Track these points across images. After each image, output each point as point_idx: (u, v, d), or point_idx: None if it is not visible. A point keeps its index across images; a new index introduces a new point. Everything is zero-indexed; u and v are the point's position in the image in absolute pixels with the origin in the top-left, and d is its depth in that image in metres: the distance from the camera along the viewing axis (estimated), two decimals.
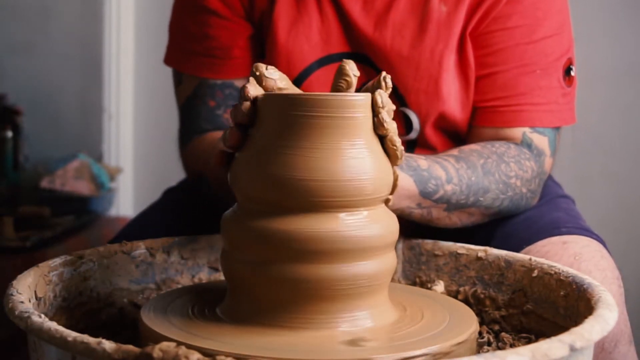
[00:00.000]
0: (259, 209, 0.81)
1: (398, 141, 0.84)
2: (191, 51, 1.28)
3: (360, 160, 0.81)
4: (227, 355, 0.67)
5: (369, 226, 0.81)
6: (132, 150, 2.80)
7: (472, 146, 1.15)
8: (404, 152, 0.85)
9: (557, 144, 1.23)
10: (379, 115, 0.82)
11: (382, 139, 0.84)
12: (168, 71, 1.38)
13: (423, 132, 1.23)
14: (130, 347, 0.66)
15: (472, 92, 1.21)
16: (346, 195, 0.80)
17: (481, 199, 1.10)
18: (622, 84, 2.34)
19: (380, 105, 0.82)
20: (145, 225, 1.24)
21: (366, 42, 1.20)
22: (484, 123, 1.21)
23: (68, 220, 2.29)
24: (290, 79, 1.21)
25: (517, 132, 1.19)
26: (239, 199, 0.85)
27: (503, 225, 1.16)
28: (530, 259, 0.98)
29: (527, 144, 1.18)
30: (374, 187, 0.82)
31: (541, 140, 1.19)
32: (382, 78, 0.84)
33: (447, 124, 1.23)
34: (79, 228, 2.33)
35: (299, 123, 0.80)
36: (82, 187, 2.47)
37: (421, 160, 1.05)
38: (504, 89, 1.19)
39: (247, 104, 0.82)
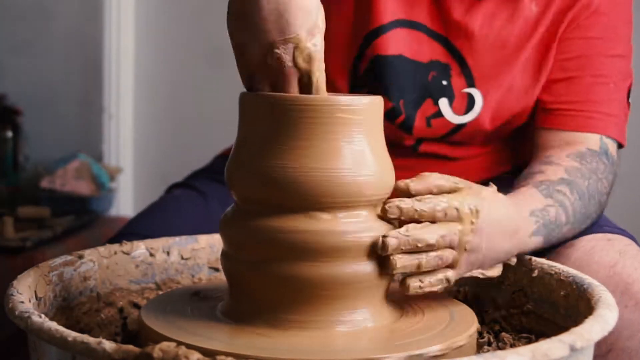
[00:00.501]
0: (258, 210, 0.81)
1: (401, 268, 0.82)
2: None
3: (360, 161, 0.81)
4: (227, 355, 0.67)
5: (369, 226, 0.81)
6: (132, 150, 2.79)
7: (573, 164, 1.13)
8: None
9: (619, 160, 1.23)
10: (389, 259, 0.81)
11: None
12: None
13: (479, 117, 1.23)
14: (130, 347, 0.66)
15: (537, 91, 1.22)
16: (346, 196, 0.80)
17: (583, 226, 1.09)
18: None
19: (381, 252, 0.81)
20: (149, 219, 1.24)
21: (453, 23, 1.22)
22: (560, 126, 1.20)
23: (68, 220, 2.29)
24: (365, 31, 1.20)
25: (595, 138, 1.18)
26: (237, 199, 0.85)
27: None
28: (530, 259, 0.98)
29: (604, 151, 1.18)
30: (374, 188, 0.82)
31: (614, 148, 1.20)
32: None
33: (504, 113, 1.24)
34: (79, 228, 2.33)
35: (296, 123, 0.80)
36: (82, 187, 2.47)
37: (551, 210, 1.02)
38: (579, 94, 1.20)
39: None
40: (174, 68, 2.74)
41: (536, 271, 0.96)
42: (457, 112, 1.23)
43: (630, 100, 1.24)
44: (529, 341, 0.93)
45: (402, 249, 0.81)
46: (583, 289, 0.87)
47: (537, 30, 1.21)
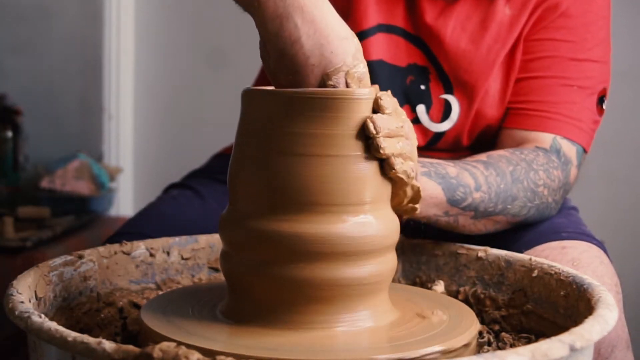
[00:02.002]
0: (259, 211, 0.81)
1: (399, 164, 0.82)
2: None
3: (360, 162, 0.81)
4: (227, 355, 0.67)
5: (371, 228, 0.81)
6: (132, 150, 2.79)
7: (501, 152, 1.14)
8: (409, 172, 0.83)
9: (582, 161, 1.22)
10: (375, 141, 0.80)
11: (381, 161, 0.82)
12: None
13: (457, 125, 1.24)
14: (130, 347, 0.66)
15: (509, 94, 1.22)
16: (346, 197, 0.80)
17: (509, 206, 1.09)
18: (620, 85, 2.34)
19: (374, 132, 0.80)
20: (147, 219, 1.24)
21: (426, 27, 1.22)
22: (514, 125, 1.21)
23: (68, 220, 2.30)
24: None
25: (547, 137, 1.18)
26: (236, 199, 0.85)
27: (502, 231, 1.16)
28: (530, 259, 0.98)
29: (555, 150, 1.17)
30: (375, 189, 0.82)
31: (570, 149, 1.19)
32: (378, 98, 0.82)
33: (481, 121, 1.24)
34: (79, 228, 2.33)
35: (295, 121, 0.80)
36: (82, 187, 2.47)
37: (450, 168, 1.04)
38: (540, 94, 1.20)
39: None
40: (174, 68, 2.74)
41: (536, 271, 0.96)
42: (434, 119, 1.23)
43: (604, 106, 1.23)
44: (529, 341, 0.93)
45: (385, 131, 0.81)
46: (583, 289, 0.87)
47: (511, 34, 1.20)
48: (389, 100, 0.82)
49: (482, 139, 1.26)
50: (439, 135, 1.25)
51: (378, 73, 1.22)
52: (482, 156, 1.12)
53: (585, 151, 1.21)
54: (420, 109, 1.24)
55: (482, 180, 1.06)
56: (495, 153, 1.14)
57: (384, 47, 1.23)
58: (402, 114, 0.85)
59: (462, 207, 1.05)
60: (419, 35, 1.23)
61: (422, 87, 1.24)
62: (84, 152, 2.57)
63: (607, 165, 2.33)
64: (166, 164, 2.68)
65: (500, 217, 1.10)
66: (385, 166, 0.82)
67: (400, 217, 0.88)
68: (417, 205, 0.87)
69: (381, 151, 0.80)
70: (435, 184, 1.01)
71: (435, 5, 1.22)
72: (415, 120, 1.24)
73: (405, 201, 0.87)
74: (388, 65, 1.24)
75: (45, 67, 2.68)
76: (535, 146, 1.17)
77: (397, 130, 0.82)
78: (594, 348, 0.77)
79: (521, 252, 1.08)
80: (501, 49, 1.20)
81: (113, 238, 1.16)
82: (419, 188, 0.86)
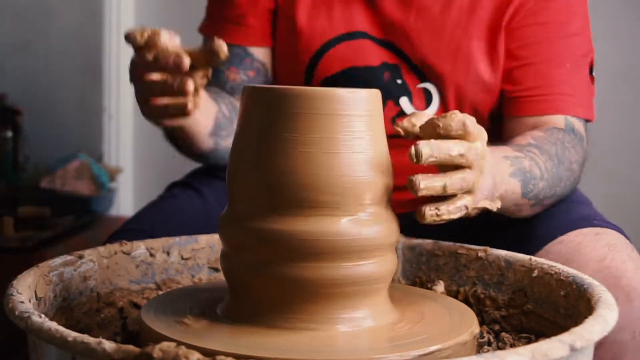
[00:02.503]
0: (259, 211, 0.81)
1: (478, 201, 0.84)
2: (214, 17, 1.35)
3: (360, 161, 0.81)
4: (227, 355, 0.67)
5: (370, 227, 0.81)
6: (132, 150, 2.79)
7: (537, 133, 1.16)
8: (461, 208, 0.84)
9: (589, 138, 1.25)
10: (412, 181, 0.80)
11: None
12: None
13: (441, 111, 1.25)
14: (130, 347, 0.66)
15: (494, 82, 1.24)
16: (346, 197, 0.80)
17: (557, 189, 1.13)
18: (620, 85, 2.34)
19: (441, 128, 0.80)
20: (148, 218, 1.24)
21: (389, 25, 1.24)
22: (524, 112, 1.23)
23: (68, 220, 2.29)
24: (308, 55, 1.25)
25: (559, 118, 1.21)
26: (235, 199, 0.85)
27: (529, 219, 1.16)
28: (530, 259, 0.98)
29: (571, 129, 1.21)
30: (375, 189, 0.82)
31: (580, 126, 1.22)
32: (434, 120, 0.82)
33: (467, 106, 1.25)
34: (79, 228, 2.33)
35: (295, 120, 0.80)
36: (82, 187, 2.47)
37: (525, 161, 1.06)
38: (537, 79, 1.22)
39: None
40: None
41: (536, 271, 0.96)
42: (418, 108, 1.24)
43: (594, 74, 1.25)
44: (529, 341, 0.93)
45: (435, 157, 0.79)
46: (583, 289, 0.87)
47: (471, 18, 1.22)
48: (446, 120, 0.81)
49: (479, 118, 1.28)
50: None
51: (350, 79, 1.24)
52: (529, 139, 1.13)
53: (589, 122, 1.25)
54: (403, 100, 1.26)
55: (543, 168, 1.09)
56: (536, 134, 1.16)
57: (351, 54, 1.25)
58: (473, 136, 0.83)
59: (530, 197, 1.08)
60: (383, 36, 1.25)
61: (399, 81, 1.26)
62: (84, 152, 2.57)
63: (607, 165, 2.33)
64: (166, 164, 2.67)
65: (549, 201, 1.13)
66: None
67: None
68: (494, 207, 0.89)
69: (416, 193, 0.79)
70: (517, 181, 1.04)
71: (395, 1, 1.24)
72: (401, 113, 1.25)
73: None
74: (361, 69, 1.26)
75: (45, 67, 2.68)
76: (552, 126, 1.19)
77: (450, 159, 0.81)
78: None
79: (556, 237, 1.09)
80: (463, 33, 1.22)
81: (114, 236, 1.17)
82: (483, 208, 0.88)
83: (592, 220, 1.13)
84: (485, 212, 0.92)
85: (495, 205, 0.91)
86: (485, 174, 0.87)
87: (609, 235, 1.09)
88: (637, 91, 2.34)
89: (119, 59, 2.68)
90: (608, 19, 2.31)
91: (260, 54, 1.32)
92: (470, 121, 0.82)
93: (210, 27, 1.36)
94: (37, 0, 2.67)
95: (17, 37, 2.68)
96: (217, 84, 1.30)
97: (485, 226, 1.18)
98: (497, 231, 1.17)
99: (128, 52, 0.95)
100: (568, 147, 1.17)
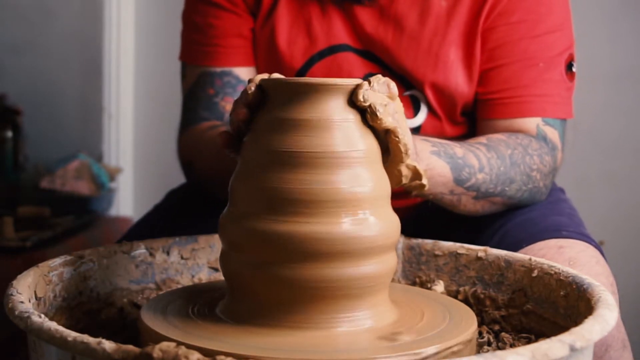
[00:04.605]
0: (259, 211, 0.81)
1: (403, 134, 0.83)
2: (195, 42, 1.34)
3: (360, 161, 0.81)
4: (227, 355, 0.67)
5: (370, 227, 0.81)
6: (132, 150, 2.79)
7: (499, 136, 1.18)
8: (409, 146, 0.84)
9: (565, 138, 1.25)
10: (370, 108, 0.82)
11: (386, 133, 0.84)
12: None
13: (431, 115, 1.25)
14: (130, 347, 0.66)
15: (474, 85, 1.23)
16: (345, 197, 0.80)
17: (507, 189, 1.14)
18: (621, 86, 2.34)
19: (362, 100, 0.81)
20: (149, 228, 1.24)
21: (368, 37, 1.24)
22: (495, 115, 1.23)
23: (68, 220, 2.29)
24: (291, 74, 1.23)
25: (531, 123, 1.21)
26: (236, 200, 0.85)
27: (505, 223, 1.17)
28: (530, 259, 0.98)
29: (542, 137, 1.20)
30: (375, 189, 0.82)
31: (554, 134, 1.22)
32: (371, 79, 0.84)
33: (455, 109, 1.25)
34: (79, 228, 2.33)
35: (293, 123, 0.80)
36: (82, 187, 2.47)
37: (457, 148, 1.08)
38: (509, 82, 1.22)
39: (251, 85, 0.84)
40: (174, 68, 2.72)
41: (536, 271, 0.96)
42: (408, 116, 1.24)
43: (574, 69, 1.24)
44: (529, 341, 0.93)
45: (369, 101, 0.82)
46: (583, 289, 0.87)
47: (450, 25, 1.22)
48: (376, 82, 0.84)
49: (465, 129, 1.28)
50: (417, 129, 1.26)
51: None
52: (483, 139, 1.16)
53: (566, 120, 1.24)
54: None
55: (485, 161, 1.10)
56: (494, 137, 1.17)
57: (334, 70, 1.24)
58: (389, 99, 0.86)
59: (466, 186, 1.09)
60: (364, 48, 1.25)
61: None
62: (84, 152, 2.57)
63: (607, 166, 2.34)
64: (166, 164, 2.68)
65: (497, 199, 1.15)
66: (389, 136, 0.83)
67: (408, 193, 0.92)
68: (425, 182, 0.89)
69: (379, 115, 0.82)
70: (444, 163, 1.05)
71: (373, 13, 1.23)
72: None
73: (404, 180, 0.88)
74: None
75: (45, 67, 2.68)
76: (522, 133, 1.20)
77: (390, 106, 0.84)
78: None
79: (522, 247, 1.09)
80: (442, 41, 1.22)
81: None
82: (414, 167, 0.87)
83: (561, 230, 1.12)
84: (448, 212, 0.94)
85: (424, 178, 0.92)
86: (403, 127, 0.87)
87: (573, 249, 1.08)
88: (638, 92, 2.34)
89: (119, 59, 2.69)
90: (609, 20, 2.31)
91: (249, 74, 1.31)
92: (393, 85, 0.86)
93: (192, 52, 1.35)
94: (37, 0, 2.67)
95: (17, 37, 2.68)
96: (214, 115, 1.29)
97: (464, 230, 1.18)
98: (476, 234, 1.17)
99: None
100: (531, 154, 1.16)
